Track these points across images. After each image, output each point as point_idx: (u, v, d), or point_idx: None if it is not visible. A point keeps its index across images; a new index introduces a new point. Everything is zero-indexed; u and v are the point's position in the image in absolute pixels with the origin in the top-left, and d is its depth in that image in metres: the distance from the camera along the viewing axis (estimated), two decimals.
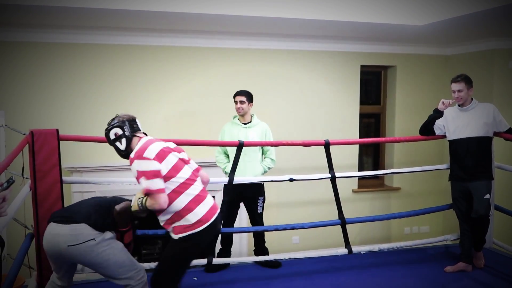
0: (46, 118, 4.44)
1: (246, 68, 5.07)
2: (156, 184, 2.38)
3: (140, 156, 2.43)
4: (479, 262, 3.82)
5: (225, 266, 3.88)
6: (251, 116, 3.98)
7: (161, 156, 2.45)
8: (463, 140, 3.65)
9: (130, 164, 2.48)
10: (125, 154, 2.58)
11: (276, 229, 3.85)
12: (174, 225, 2.48)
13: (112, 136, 2.58)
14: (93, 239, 2.49)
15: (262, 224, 4.03)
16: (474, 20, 4.11)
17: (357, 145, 5.61)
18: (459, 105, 3.70)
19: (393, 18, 4.18)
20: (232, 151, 3.79)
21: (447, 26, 4.41)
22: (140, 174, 2.40)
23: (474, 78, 3.74)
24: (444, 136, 3.86)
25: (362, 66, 5.55)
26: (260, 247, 4.06)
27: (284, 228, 3.83)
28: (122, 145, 2.56)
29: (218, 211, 2.61)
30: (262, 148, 3.98)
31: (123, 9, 3.71)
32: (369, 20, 4.25)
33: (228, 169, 3.75)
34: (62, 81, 4.56)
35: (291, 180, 3.74)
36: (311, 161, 5.04)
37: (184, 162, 2.58)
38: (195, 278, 3.68)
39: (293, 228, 3.84)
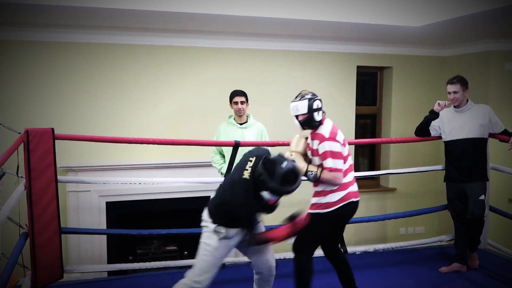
0: (41, 117, 4.42)
1: (242, 68, 5.07)
2: (341, 164, 2.77)
3: (333, 139, 2.78)
4: (474, 263, 3.83)
5: (221, 265, 3.87)
6: (247, 116, 3.98)
7: (344, 144, 2.85)
8: (459, 141, 3.66)
9: (321, 142, 2.78)
10: (316, 125, 2.86)
11: (271, 229, 3.84)
12: (316, 199, 2.84)
13: (315, 106, 2.85)
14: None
15: None
16: (470, 21, 4.12)
17: (353, 146, 5.62)
18: (454, 107, 3.71)
19: (390, 19, 4.18)
20: (228, 151, 3.78)
21: (443, 28, 4.42)
22: (329, 154, 2.74)
23: (470, 79, 3.75)
24: (439, 137, 3.87)
25: (358, 67, 5.56)
26: None
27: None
28: (318, 117, 2.85)
29: (351, 200, 2.84)
30: None
31: (118, 8, 3.69)
32: (366, 21, 4.25)
33: (224, 170, 3.75)
34: (57, 80, 4.54)
35: None
36: None
37: (349, 154, 2.91)
38: None
39: None
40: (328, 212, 2.80)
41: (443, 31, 4.67)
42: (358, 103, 5.67)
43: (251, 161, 2.57)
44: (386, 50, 5.60)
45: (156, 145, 4.30)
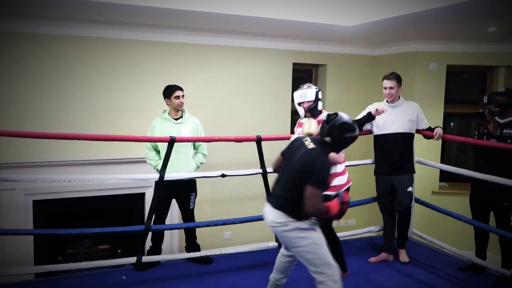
0: None
1: (178, 63, 4.97)
2: None
3: None
4: (404, 259, 3.96)
5: (156, 263, 3.81)
6: (182, 112, 3.93)
7: None
8: (390, 135, 3.84)
9: None
10: (318, 113, 3.29)
11: (208, 225, 3.85)
12: None
13: (319, 96, 3.29)
14: None
15: (194, 220, 4.00)
16: (399, 23, 4.31)
17: (289, 141, 5.70)
18: (388, 101, 3.88)
19: (324, 18, 4.28)
20: (163, 147, 3.71)
21: (374, 28, 4.60)
22: None
23: None
24: (370, 132, 4.01)
25: (294, 64, 5.65)
26: (191, 244, 4.03)
27: (216, 223, 3.84)
28: (320, 106, 3.31)
29: (350, 183, 3.42)
30: (193, 143, 3.94)
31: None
32: (302, 19, 4.32)
33: (160, 166, 3.66)
34: None
35: (223, 175, 3.74)
36: (243, 156, 5.07)
37: None
38: (124, 277, 3.59)
39: (224, 223, 3.86)
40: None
41: (374, 31, 4.86)
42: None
43: (306, 140, 2.68)
44: (321, 48, 5.73)
45: (88, 141, 4.14)
